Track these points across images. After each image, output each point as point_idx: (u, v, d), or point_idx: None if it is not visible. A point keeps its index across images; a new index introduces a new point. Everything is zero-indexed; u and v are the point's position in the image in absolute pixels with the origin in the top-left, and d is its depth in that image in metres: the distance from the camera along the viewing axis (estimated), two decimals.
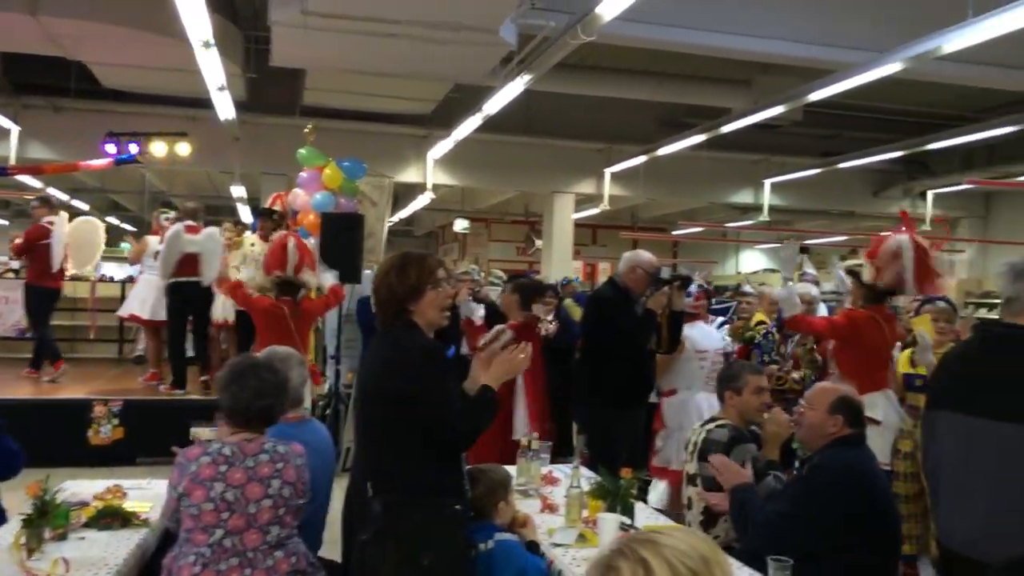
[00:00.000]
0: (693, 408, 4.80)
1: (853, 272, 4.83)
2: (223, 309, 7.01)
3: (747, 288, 6.53)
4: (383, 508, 2.45)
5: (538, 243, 14.54)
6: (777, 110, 8.33)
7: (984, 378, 2.56)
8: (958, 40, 5.61)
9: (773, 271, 15.12)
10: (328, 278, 5.96)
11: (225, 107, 8.59)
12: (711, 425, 3.58)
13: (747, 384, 3.58)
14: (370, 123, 11.18)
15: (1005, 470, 2.43)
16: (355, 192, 6.89)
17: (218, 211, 14.51)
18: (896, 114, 11.27)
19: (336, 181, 6.67)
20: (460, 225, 15.43)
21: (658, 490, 4.87)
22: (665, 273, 4.70)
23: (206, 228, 6.58)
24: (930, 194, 12.72)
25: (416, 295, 2.56)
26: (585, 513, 3.05)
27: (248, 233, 7.49)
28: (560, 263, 12.46)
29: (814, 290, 5.35)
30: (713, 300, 6.69)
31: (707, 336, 5.11)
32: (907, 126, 11.45)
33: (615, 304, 4.57)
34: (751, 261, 18.31)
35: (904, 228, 4.67)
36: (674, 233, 16.31)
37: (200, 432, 3.21)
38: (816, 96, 7.56)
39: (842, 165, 11.30)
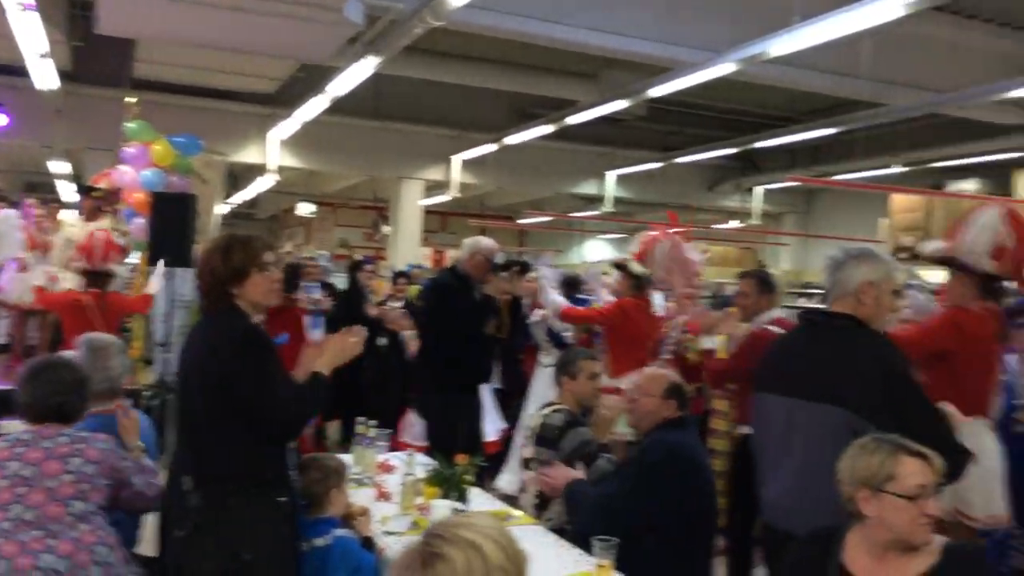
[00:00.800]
0: None
1: (621, 266, 5.27)
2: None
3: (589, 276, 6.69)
4: (202, 502, 2.33)
5: (385, 229, 14.36)
6: (621, 104, 8.55)
7: (800, 361, 2.72)
8: (784, 44, 5.92)
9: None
10: (153, 282, 5.63)
11: (46, 76, 7.95)
12: (547, 410, 3.64)
13: (582, 370, 3.65)
14: (208, 99, 10.66)
15: (813, 447, 2.58)
16: (188, 170, 6.54)
17: (36, 188, 13.46)
18: (730, 113, 11.85)
19: (167, 158, 6.30)
20: (305, 209, 15.01)
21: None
22: (500, 258, 4.73)
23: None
24: (758, 190, 13.46)
25: (241, 278, 2.45)
26: (420, 500, 3.02)
27: (68, 213, 6.98)
28: (408, 250, 12.35)
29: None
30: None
31: None
32: (740, 125, 12.06)
33: (454, 290, 4.57)
34: (595, 250, 18.83)
35: (669, 227, 5.13)
36: (521, 222, 16.53)
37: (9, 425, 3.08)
38: (657, 92, 7.81)
39: (680, 160, 11.77)
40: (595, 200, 13.90)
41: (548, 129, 9.78)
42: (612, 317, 5.04)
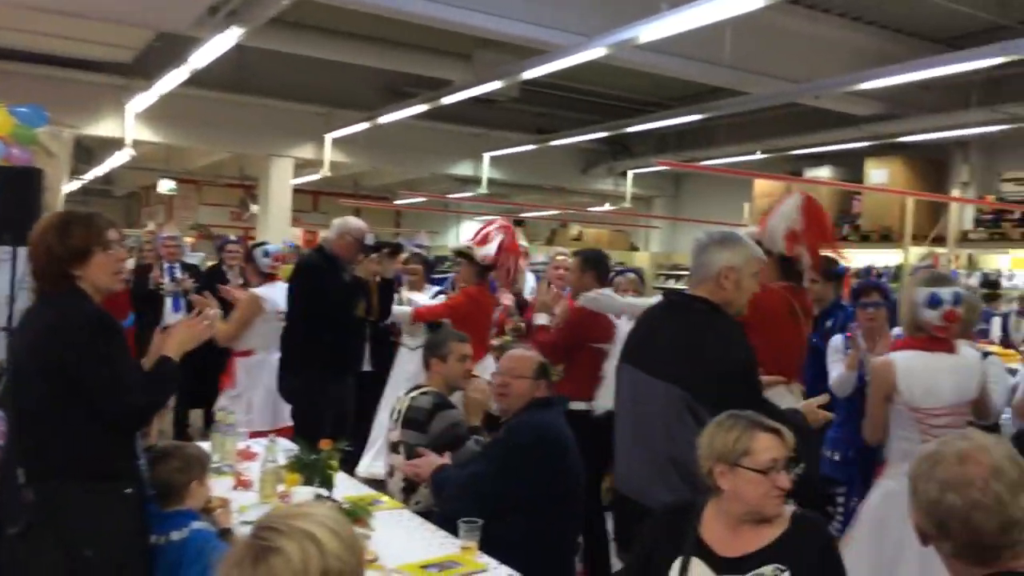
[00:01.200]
0: (268, 369, 4.86)
1: (464, 253, 5.43)
2: None
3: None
4: (38, 497, 2.17)
5: (254, 208, 13.87)
6: (495, 85, 8.54)
7: (653, 338, 2.79)
8: (653, 31, 6.04)
9: None
10: None
11: None
12: (415, 393, 3.60)
13: (452, 351, 3.63)
14: (57, 68, 9.96)
15: (654, 421, 2.66)
16: (32, 142, 6.09)
17: None
18: (602, 97, 12.03)
19: (6, 128, 5.85)
20: (165, 186, 14.29)
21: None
22: (371, 239, 4.63)
23: None
24: (630, 174, 13.77)
25: (82, 258, 2.29)
26: (282, 488, 2.93)
27: None
28: (278, 230, 11.97)
29: None
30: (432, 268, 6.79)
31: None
32: (612, 109, 12.28)
33: (323, 271, 4.45)
34: (472, 232, 18.81)
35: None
36: (397, 203, 16.32)
37: None
38: (530, 74, 7.83)
39: (554, 143, 11.88)
40: (471, 181, 13.86)
41: (422, 108, 9.66)
42: (463, 307, 5.11)
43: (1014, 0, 7.51)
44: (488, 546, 2.59)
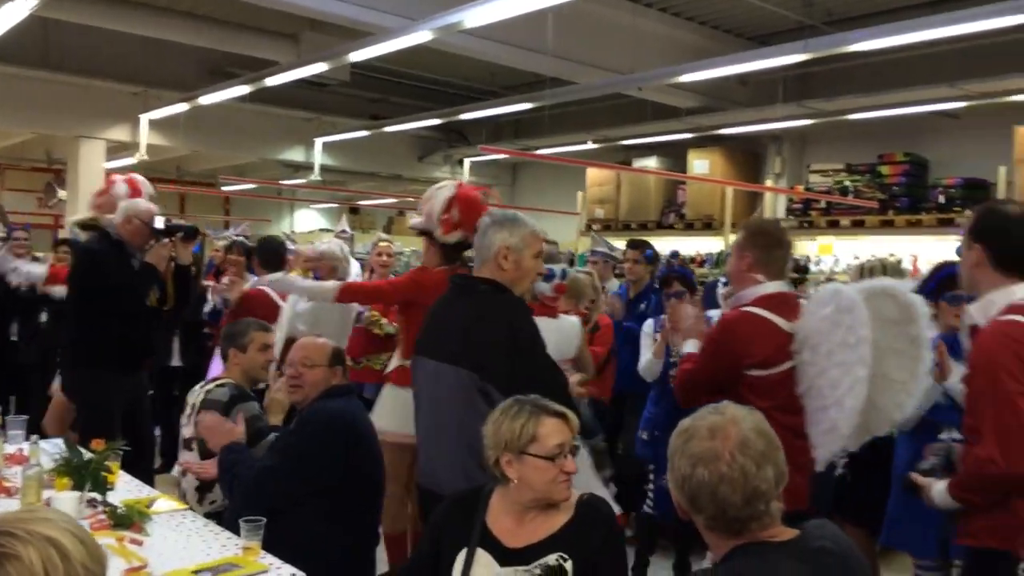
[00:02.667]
0: None
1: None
2: None
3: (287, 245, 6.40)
4: None
5: (61, 194, 12.87)
6: (321, 67, 8.26)
7: (445, 324, 2.74)
8: (477, 16, 6.00)
9: (327, 230, 15.25)
10: None
11: None
12: (211, 385, 3.39)
13: (253, 341, 3.45)
14: None
15: (450, 409, 2.62)
16: None
17: None
18: (437, 84, 11.96)
19: None
20: None
21: None
22: (161, 223, 4.32)
23: None
24: (467, 162, 13.76)
25: None
26: (51, 494, 2.68)
27: None
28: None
29: (336, 248, 5.38)
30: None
31: None
32: (447, 96, 12.21)
33: (107, 257, 4.11)
34: (306, 220, 18.30)
35: None
36: (224, 189, 15.60)
37: None
38: (357, 57, 7.63)
39: (389, 129, 11.68)
40: (303, 168, 13.44)
41: (245, 90, 9.23)
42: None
43: (818, 1, 7.99)
44: (282, 544, 2.46)
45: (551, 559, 2.08)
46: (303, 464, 2.75)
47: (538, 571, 2.10)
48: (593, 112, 11.40)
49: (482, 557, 2.14)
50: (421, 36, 6.64)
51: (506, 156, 12.80)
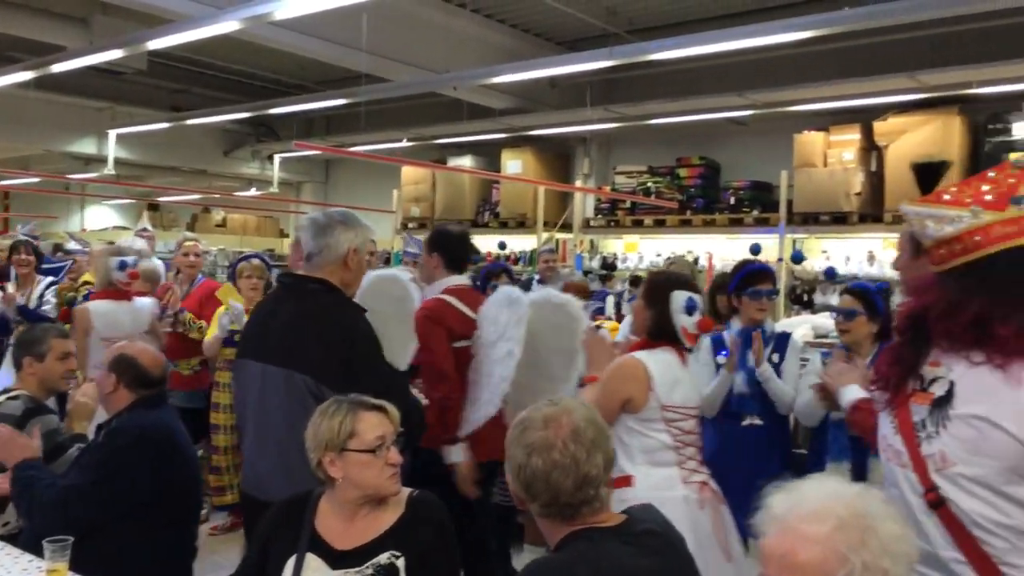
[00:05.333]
0: None
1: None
2: None
3: (72, 245, 5.94)
4: None
5: None
6: (115, 54, 7.72)
7: (273, 326, 2.66)
8: (287, 8, 5.82)
9: (124, 228, 14.31)
10: None
11: None
12: (2, 398, 3.11)
13: (52, 349, 3.19)
14: None
15: (282, 413, 2.55)
16: None
17: None
18: (245, 76, 11.51)
19: None
20: None
21: None
22: None
23: None
24: (277, 158, 13.34)
25: None
26: None
27: None
28: None
29: (139, 243, 5.07)
30: (44, 259, 5.97)
31: None
32: (255, 89, 11.79)
33: None
34: (99, 217, 17.05)
35: None
36: (3, 183, 14.24)
37: None
38: (156, 45, 7.20)
39: (191, 121, 11.11)
40: (96, 161, 12.52)
41: (27, 76, 8.47)
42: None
43: (621, 10, 8.40)
44: (92, 564, 2.29)
45: (383, 558, 2.08)
46: (112, 482, 2.57)
47: (370, 571, 2.08)
48: (408, 110, 11.38)
49: (312, 562, 2.10)
50: (228, 26, 6.36)
51: (319, 152, 12.53)
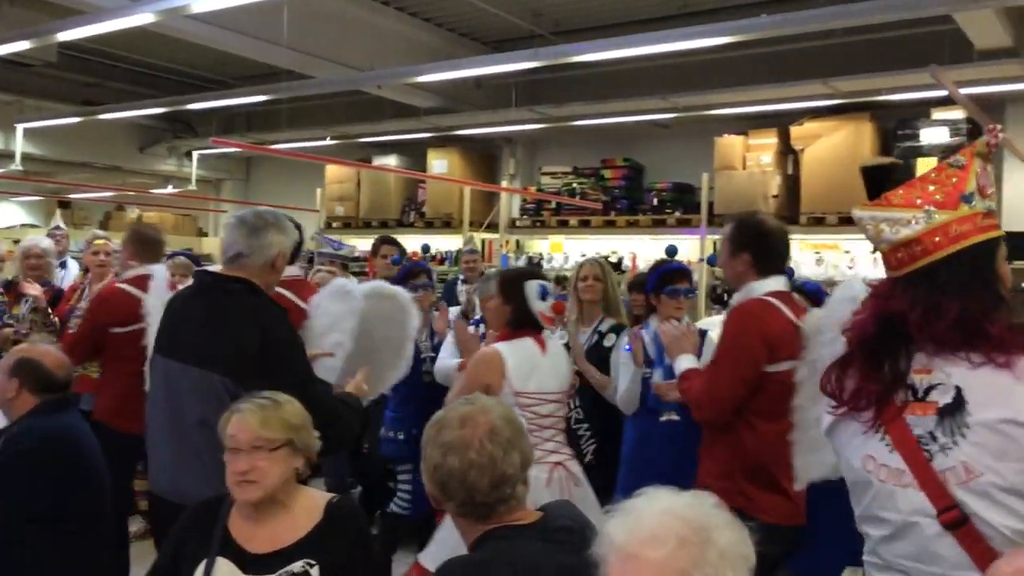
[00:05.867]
0: None
1: None
2: None
3: None
4: None
5: None
6: (23, 45, 7.41)
7: (186, 324, 2.60)
8: (205, 1, 5.68)
9: (33, 226, 13.74)
10: None
11: None
12: None
13: None
14: None
15: (194, 413, 2.49)
16: None
17: None
18: (162, 70, 11.17)
19: None
20: None
21: None
22: None
23: None
24: (195, 154, 12.98)
25: None
26: None
27: None
28: None
29: (44, 242, 4.87)
30: None
31: None
32: (172, 84, 11.45)
33: None
34: (6, 215, 16.33)
35: None
36: None
37: None
38: (66, 37, 6.93)
39: (105, 116, 10.72)
40: (2, 156, 11.99)
41: None
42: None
43: (546, 12, 8.43)
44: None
45: (296, 566, 2.03)
46: (12, 491, 2.46)
47: None
48: (332, 108, 11.21)
49: (223, 566, 2.04)
50: (141, 18, 6.17)
51: (239, 150, 12.24)
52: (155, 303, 3.53)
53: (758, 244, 2.91)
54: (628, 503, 1.33)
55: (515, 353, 3.10)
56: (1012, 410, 1.58)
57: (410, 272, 4.50)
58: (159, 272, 3.88)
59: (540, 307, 3.18)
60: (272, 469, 2.04)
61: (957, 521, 1.59)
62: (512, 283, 3.20)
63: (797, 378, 2.72)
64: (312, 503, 2.11)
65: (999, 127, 1.83)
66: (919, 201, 1.75)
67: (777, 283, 2.93)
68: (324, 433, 2.20)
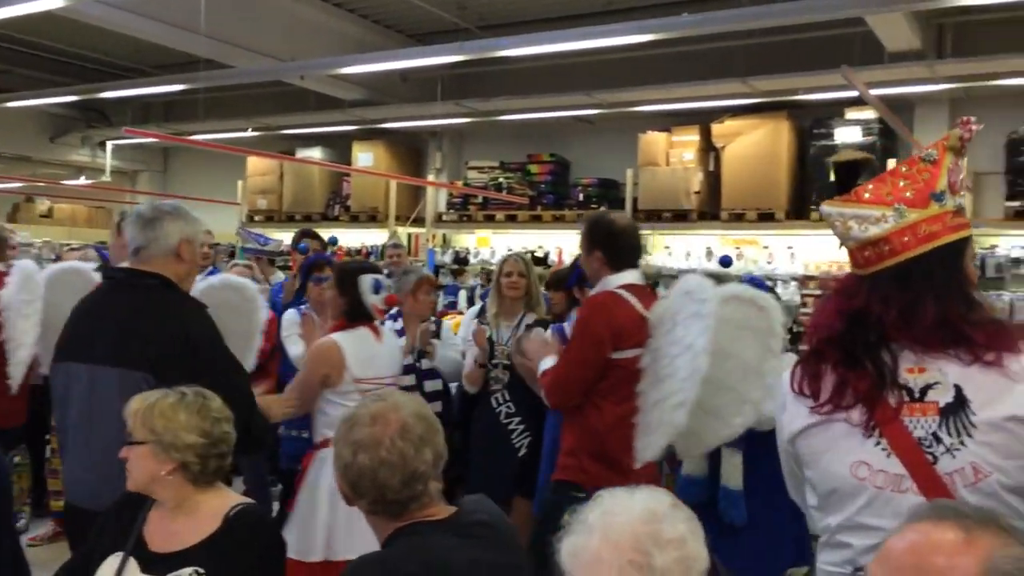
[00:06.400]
0: None
1: None
2: None
3: None
4: None
5: None
6: None
7: (98, 325, 2.51)
8: None
9: None
10: None
11: None
12: None
13: None
14: None
15: (116, 415, 2.41)
16: None
17: None
18: (74, 57, 10.77)
19: None
20: None
21: None
22: None
23: None
24: (109, 144, 12.56)
25: None
26: None
27: None
28: None
29: None
30: None
31: None
32: (86, 71, 11.05)
33: None
34: None
35: None
36: None
37: None
38: None
39: (13, 104, 10.31)
40: None
41: None
42: None
43: (472, 6, 8.41)
44: None
45: (185, 572, 1.96)
46: None
47: None
48: (253, 99, 10.98)
49: (130, 563, 1.99)
50: (50, 2, 5.94)
51: (155, 140, 11.88)
52: (14, 298, 3.48)
53: (609, 242, 3.13)
54: (583, 517, 1.29)
55: (352, 343, 3.26)
56: (1014, 407, 1.53)
57: (314, 264, 4.44)
58: (21, 267, 3.72)
59: (373, 300, 3.36)
60: (135, 463, 2.01)
61: None
62: (347, 277, 3.35)
63: (641, 364, 2.96)
64: (218, 508, 2.04)
65: (972, 119, 1.74)
66: (889, 198, 1.69)
67: (631, 276, 3.13)
68: (247, 428, 2.15)
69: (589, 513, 1.29)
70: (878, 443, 1.60)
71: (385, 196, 10.33)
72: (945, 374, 1.58)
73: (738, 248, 8.54)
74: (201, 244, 2.87)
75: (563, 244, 9.55)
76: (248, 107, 10.95)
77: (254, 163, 11.24)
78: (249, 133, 10.93)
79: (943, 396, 1.58)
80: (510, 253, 4.40)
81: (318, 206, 10.94)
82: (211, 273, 5.50)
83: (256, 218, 11.25)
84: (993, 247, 7.61)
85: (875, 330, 1.63)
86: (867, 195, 1.71)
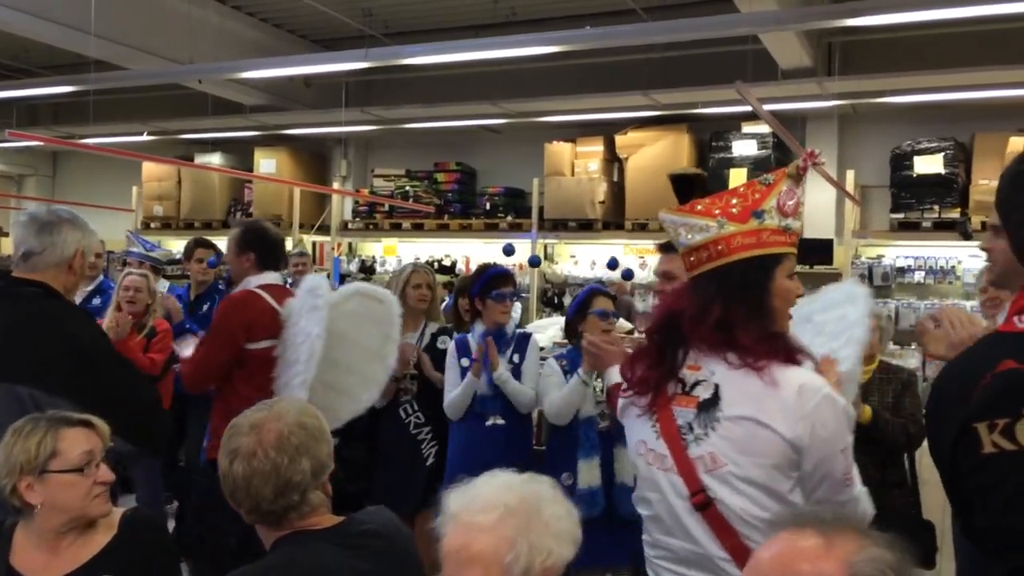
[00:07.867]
0: None
1: None
2: None
3: None
4: None
5: None
6: None
7: None
8: None
9: None
10: None
11: None
12: None
13: None
14: None
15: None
16: None
17: None
18: None
19: None
20: None
21: None
22: None
23: None
24: None
25: None
26: None
27: None
28: None
29: None
30: None
31: None
32: None
33: None
34: None
35: None
36: None
37: None
38: None
39: None
40: None
41: None
42: None
43: (377, 12, 8.35)
44: None
45: None
46: None
47: None
48: (148, 102, 10.61)
49: None
50: None
51: (43, 144, 11.34)
52: None
53: (262, 246, 3.58)
54: (471, 481, 1.43)
55: None
56: (757, 411, 1.74)
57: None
58: None
59: None
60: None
61: (704, 503, 1.76)
62: None
63: (275, 353, 3.41)
64: (110, 519, 2.00)
65: (817, 152, 1.99)
66: (717, 212, 1.88)
67: (271, 277, 3.59)
68: (145, 430, 2.10)
69: (477, 478, 1.45)
70: (654, 426, 1.87)
71: (289, 203, 10.13)
72: (712, 373, 1.81)
73: (642, 257, 8.69)
74: (95, 254, 2.77)
75: (470, 252, 9.55)
76: (144, 110, 10.57)
77: (150, 168, 10.86)
78: (145, 137, 10.55)
79: (704, 392, 1.81)
80: (416, 264, 4.36)
81: (218, 213, 10.64)
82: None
83: (152, 225, 10.87)
84: (880, 257, 8.00)
85: (679, 328, 1.85)
86: (700, 207, 1.92)
